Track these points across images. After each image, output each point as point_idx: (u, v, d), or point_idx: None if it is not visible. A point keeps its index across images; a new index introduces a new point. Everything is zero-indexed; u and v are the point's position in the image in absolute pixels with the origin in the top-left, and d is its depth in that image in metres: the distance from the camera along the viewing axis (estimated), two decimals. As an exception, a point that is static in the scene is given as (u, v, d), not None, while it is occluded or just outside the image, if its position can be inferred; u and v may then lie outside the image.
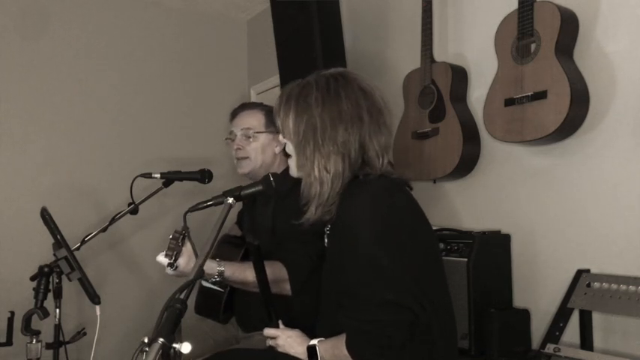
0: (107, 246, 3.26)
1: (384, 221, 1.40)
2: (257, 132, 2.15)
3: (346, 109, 1.47)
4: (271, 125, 2.14)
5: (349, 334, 1.40)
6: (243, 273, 1.84)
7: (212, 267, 1.79)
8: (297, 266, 1.89)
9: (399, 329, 1.34)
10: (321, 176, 1.48)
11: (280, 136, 2.15)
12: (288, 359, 1.56)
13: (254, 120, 2.18)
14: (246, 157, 2.16)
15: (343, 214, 1.45)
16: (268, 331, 1.63)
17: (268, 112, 2.18)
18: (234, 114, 2.25)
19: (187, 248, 1.74)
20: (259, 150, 2.15)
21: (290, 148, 1.57)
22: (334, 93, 1.49)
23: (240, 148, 2.17)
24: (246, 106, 2.26)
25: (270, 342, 1.63)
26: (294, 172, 1.59)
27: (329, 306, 1.55)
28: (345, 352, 1.39)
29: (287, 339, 1.58)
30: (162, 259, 1.74)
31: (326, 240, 1.63)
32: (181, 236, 1.70)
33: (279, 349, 1.59)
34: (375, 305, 1.35)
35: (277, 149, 2.16)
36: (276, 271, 1.87)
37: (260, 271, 1.65)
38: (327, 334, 1.51)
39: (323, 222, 1.54)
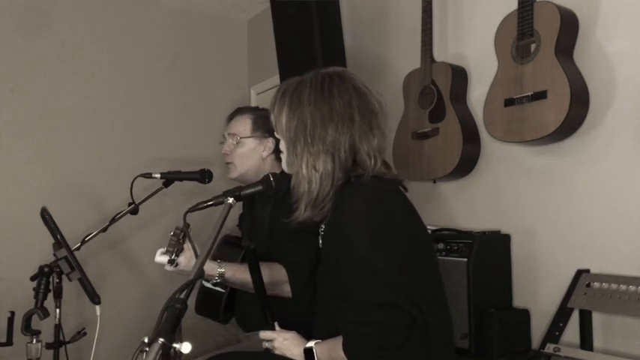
0: (107, 246, 3.26)
1: (379, 223, 1.39)
2: (242, 137, 2.17)
3: (337, 109, 1.46)
4: (258, 130, 2.18)
5: (346, 336, 1.40)
6: (244, 274, 1.84)
7: (212, 268, 1.79)
8: (297, 268, 1.89)
9: (395, 331, 1.34)
10: (309, 175, 1.47)
11: (269, 140, 2.16)
12: (284, 362, 1.55)
13: (240, 126, 2.20)
14: (232, 163, 2.20)
15: (337, 216, 1.44)
16: (265, 334, 1.62)
17: (258, 117, 2.21)
18: (228, 118, 2.29)
19: (188, 246, 1.74)
20: (245, 156, 2.17)
21: (282, 145, 1.57)
22: (327, 92, 1.48)
23: (227, 154, 2.21)
24: (238, 111, 2.29)
25: (266, 344, 1.62)
26: (285, 168, 1.59)
27: (325, 307, 1.55)
28: (342, 354, 1.39)
29: (283, 341, 1.58)
30: (160, 258, 1.74)
31: (320, 241, 1.63)
32: (182, 233, 1.69)
33: (276, 352, 1.58)
34: (371, 307, 1.35)
35: (264, 153, 2.18)
36: (275, 272, 1.87)
37: (256, 274, 1.65)
38: (324, 335, 1.51)
39: (314, 222, 1.53)
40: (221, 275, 1.80)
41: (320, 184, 1.46)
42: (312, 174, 1.46)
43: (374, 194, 1.43)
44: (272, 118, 1.57)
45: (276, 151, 2.16)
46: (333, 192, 1.47)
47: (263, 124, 2.18)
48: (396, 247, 1.39)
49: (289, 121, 1.51)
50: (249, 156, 2.17)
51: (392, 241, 1.39)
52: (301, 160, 1.48)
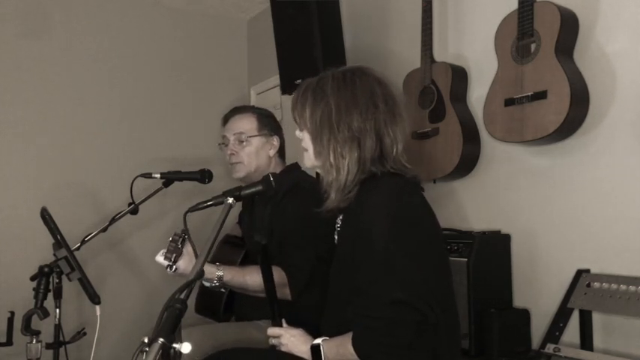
0: (107, 246, 3.26)
1: (399, 221, 1.41)
2: (250, 136, 2.14)
3: (361, 95, 1.49)
4: (264, 128, 2.15)
5: (356, 330, 1.41)
6: (243, 277, 1.85)
7: (211, 272, 1.80)
8: (296, 271, 1.89)
9: (406, 328, 1.35)
10: (337, 163, 1.49)
11: (274, 138, 2.16)
12: (291, 359, 1.55)
13: (246, 124, 2.16)
14: (240, 162, 2.15)
15: (357, 211, 1.46)
16: (272, 330, 1.63)
17: (260, 116, 2.18)
18: (225, 119, 2.24)
19: (188, 250, 1.74)
20: (253, 154, 2.14)
21: (306, 141, 1.57)
22: (350, 81, 1.51)
23: (233, 154, 2.16)
24: (237, 110, 2.24)
25: (273, 341, 1.63)
26: (309, 162, 1.59)
27: (336, 304, 1.55)
28: (351, 349, 1.39)
29: (290, 338, 1.58)
30: (160, 259, 1.75)
31: (336, 237, 1.63)
32: (181, 238, 1.70)
33: (283, 349, 1.59)
34: (385, 303, 1.35)
35: (271, 152, 2.16)
36: (275, 275, 1.87)
37: (266, 271, 1.65)
38: (333, 332, 1.51)
39: (339, 210, 1.54)
40: (220, 278, 1.81)
41: (347, 170, 1.48)
42: (340, 161, 1.48)
43: (394, 191, 1.45)
44: (295, 115, 1.59)
45: (280, 150, 2.16)
46: (358, 179, 1.48)
47: (268, 123, 2.16)
48: (412, 244, 1.40)
49: (313, 113, 1.53)
50: (258, 154, 2.14)
51: (409, 238, 1.40)
52: (328, 149, 1.50)
